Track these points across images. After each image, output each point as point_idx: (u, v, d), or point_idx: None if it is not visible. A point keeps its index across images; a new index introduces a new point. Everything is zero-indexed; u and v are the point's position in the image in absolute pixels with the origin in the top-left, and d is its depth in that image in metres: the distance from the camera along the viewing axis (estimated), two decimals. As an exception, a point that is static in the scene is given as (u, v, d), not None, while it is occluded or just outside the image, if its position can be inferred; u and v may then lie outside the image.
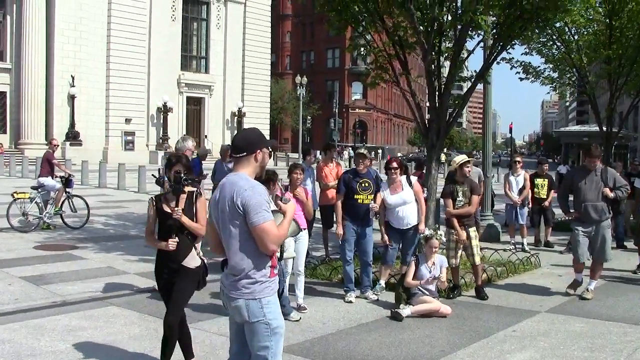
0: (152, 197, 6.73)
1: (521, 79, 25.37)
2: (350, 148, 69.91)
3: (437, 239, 9.72)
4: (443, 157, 12.38)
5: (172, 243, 6.39)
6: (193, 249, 6.59)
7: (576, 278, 10.86)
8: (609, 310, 9.88)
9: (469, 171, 11.06)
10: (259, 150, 4.82)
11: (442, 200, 11.14)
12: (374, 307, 9.75)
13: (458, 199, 10.55)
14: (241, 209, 4.57)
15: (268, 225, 4.57)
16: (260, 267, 4.67)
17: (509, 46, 14.27)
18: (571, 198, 11.05)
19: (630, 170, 18.46)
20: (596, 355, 7.64)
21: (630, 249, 14.83)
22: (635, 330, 8.74)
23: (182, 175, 6.51)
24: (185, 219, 6.45)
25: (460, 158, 10.92)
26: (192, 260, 6.52)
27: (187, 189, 6.61)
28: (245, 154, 4.79)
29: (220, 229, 4.80)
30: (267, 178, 8.88)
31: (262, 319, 4.67)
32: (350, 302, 9.87)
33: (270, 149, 5.06)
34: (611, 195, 10.67)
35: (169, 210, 6.48)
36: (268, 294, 4.71)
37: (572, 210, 10.91)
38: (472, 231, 10.73)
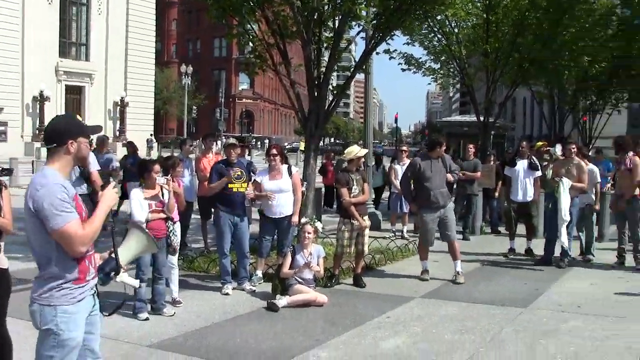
0: None
1: (403, 70, 25.83)
2: (224, 137, 69.52)
3: (310, 225, 9.77)
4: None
5: None
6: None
7: (424, 266, 11.32)
8: (480, 293, 10.21)
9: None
10: (71, 141, 4.23)
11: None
12: (251, 298, 9.70)
13: (353, 187, 10.63)
14: (33, 210, 4.06)
15: (69, 227, 4.04)
16: (62, 271, 4.15)
17: (388, 37, 14.43)
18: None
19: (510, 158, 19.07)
20: (465, 337, 7.85)
21: (503, 233, 15.32)
22: (502, 311, 9.08)
23: None
24: None
25: (358, 149, 11.00)
26: (2, 260, 5.85)
27: None
28: (55, 145, 4.25)
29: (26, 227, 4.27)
30: (142, 169, 8.74)
31: (52, 328, 4.16)
32: (227, 294, 9.78)
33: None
34: (451, 179, 11.35)
35: None
36: (66, 302, 4.17)
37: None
38: (367, 219, 10.91)
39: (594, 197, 13.22)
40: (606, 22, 28.83)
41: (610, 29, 29.38)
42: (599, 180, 13.52)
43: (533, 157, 13.99)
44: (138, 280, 5.81)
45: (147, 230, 4.62)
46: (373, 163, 20.27)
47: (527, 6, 22.84)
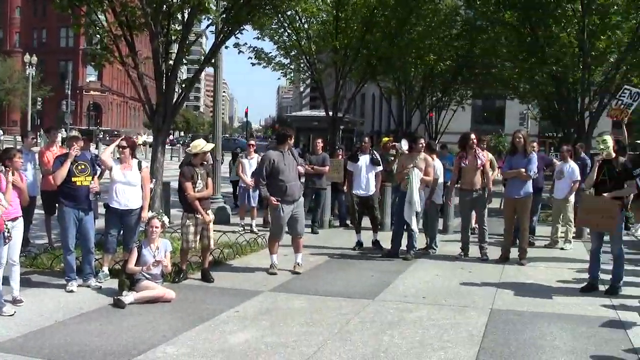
0: None
1: (253, 64, 25.94)
2: (63, 130, 67.26)
3: (158, 219, 9.65)
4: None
5: None
6: None
7: (273, 260, 11.39)
8: (327, 286, 10.36)
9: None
10: None
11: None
12: (97, 295, 9.44)
13: (197, 182, 10.54)
14: None
15: None
16: None
17: (237, 31, 14.42)
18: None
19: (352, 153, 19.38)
20: (313, 329, 7.95)
21: (351, 227, 15.60)
22: (350, 303, 9.24)
23: None
24: None
25: (203, 144, 10.89)
26: None
27: None
28: None
29: None
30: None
31: None
32: (72, 291, 9.47)
33: None
34: (302, 170, 11.59)
35: None
36: None
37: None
38: (211, 213, 10.91)
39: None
40: (451, 22, 30.04)
41: (454, 28, 30.64)
42: (440, 175, 13.96)
43: (375, 152, 14.36)
44: None
45: None
46: (230, 158, 20.40)
47: (375, 4, 23.45)
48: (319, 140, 16.93)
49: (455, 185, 13.43)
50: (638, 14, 21.81)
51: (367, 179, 13.90)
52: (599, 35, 22.29)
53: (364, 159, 13.97)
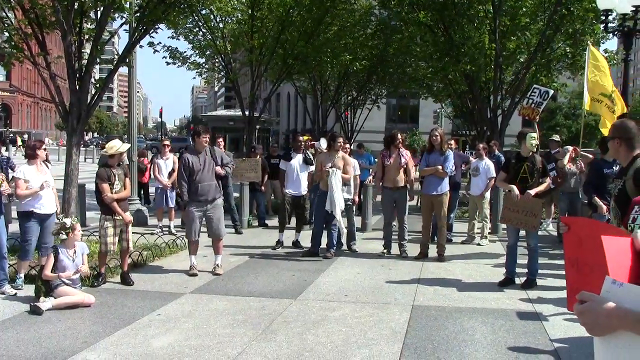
0: None
1: (168, 64, 25.69)
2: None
3: (73, 222, 9.42)
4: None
5: None
6: None
7: (192, 262, 11.28)
8: (249, 286, 10.30)
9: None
10: None
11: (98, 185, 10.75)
12: (13, 302, 9.14)
13: (115, 183, 10.36)
14: None
15: None
16: None
17: (152, 30, 14.21)
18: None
19: (270, 153, 19.33)
20: (237, 330, 7.89)
21: (271, 226, 15.59)
22: (273, 303, 9.22)
23: None
24: None
25: (120, 144, 10.69)
26: None
27: None
28: None
29: None
30: None
31: None
32: (-15, 298, 9.20)
33: None
34: (222, 172, 11.35)
35: None
36: None
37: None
38: (130, 215, 10.74)
39: (352, 189, 13.77)
40: (366, 22, 30.37)
41: (369, 28, 30.98)
42: (359, 172, 14.07)
43: (307, 151, 14.32)
44: None
45: None
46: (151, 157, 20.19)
47: (291, 3, 23.50)
48: (220, 140, 16.71)
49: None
50: (545, 16, 22.49)
51: (300, 178, 13.83)
52: (510, 36, 22.90)
53: (297, 159, 13.88)
